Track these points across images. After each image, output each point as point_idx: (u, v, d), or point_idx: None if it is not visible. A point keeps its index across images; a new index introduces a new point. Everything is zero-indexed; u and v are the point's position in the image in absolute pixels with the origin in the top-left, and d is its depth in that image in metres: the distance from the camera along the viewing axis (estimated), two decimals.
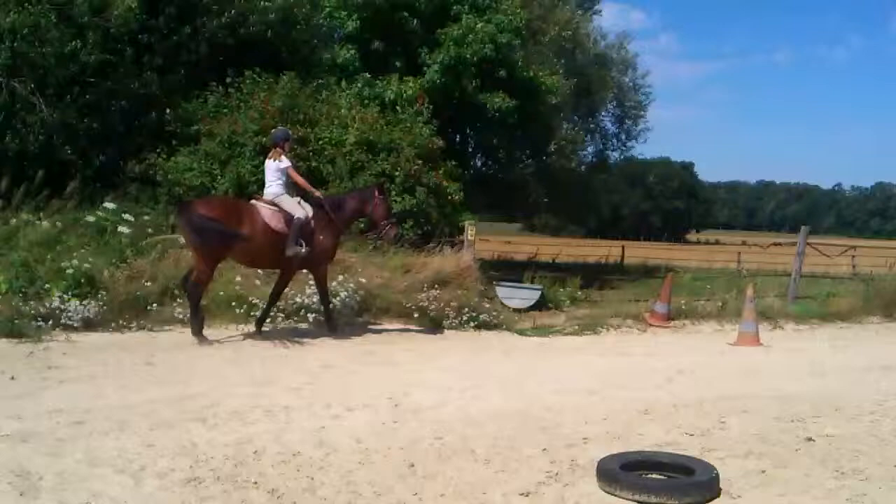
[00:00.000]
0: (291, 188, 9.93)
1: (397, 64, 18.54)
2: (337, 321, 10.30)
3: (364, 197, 10.43)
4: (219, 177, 14.07)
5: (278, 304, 10.31)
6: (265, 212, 9.60)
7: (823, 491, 4.65)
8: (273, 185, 9.77)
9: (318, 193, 10.29)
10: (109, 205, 12.07)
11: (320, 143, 14.59)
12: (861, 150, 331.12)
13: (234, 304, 10.35)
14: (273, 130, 10.89)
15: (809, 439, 5.76)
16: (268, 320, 10.01)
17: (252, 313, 10.27)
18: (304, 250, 9.50)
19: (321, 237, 9.85)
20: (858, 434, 5.96)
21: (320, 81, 16.85)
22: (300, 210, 9.68)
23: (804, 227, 15.94)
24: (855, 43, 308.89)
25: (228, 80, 15.46)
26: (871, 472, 5.01)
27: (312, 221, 9.74)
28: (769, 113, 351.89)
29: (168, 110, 15.07)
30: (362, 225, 11.54)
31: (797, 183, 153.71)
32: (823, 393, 7.47)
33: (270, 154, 10.02)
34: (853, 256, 24.05)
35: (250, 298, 10.46)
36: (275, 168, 9.79)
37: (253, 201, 9.91)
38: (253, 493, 4.42)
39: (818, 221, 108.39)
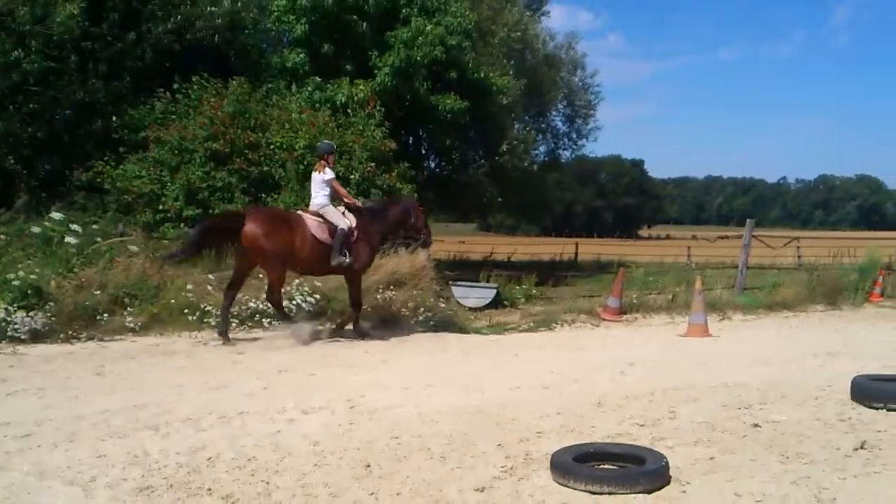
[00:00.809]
0: (335, 199, 10.46)
1: (348, 67, 18.48)
2: (364, 327, 10.70)
3: (406, 207, 11.14)
4: (168, 184, 13.93)
5: (233, 310, 10.27)
6: (311, 223, 10.09)
7: (769, 475, 4.77)
8: (318, 197, 10.29)
9: (358, 203, 10.82)
10: (56, 215, 11.87)
11: (271, 147, 14.55)
12: (805, 143, 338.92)
13: (186, 311, 10.26)
14: (318, 144, 11.33)
15: (756, 426, 5.90)
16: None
17: (205, 320, 10.20)
18: (347, 260, 10.10)
19: (362, 246, 10.40)
20: (803, 419, 6.12)
21: (270, 86, 16.79)
22: (344, 221, 10.23)
23: (749, 220, 16.36)
24: (798, 38, 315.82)
25: (176, 86, 15.32)
26: (815, 456, 5.14)
27: (355, 231, 10.28)
28: (716, 109, 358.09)
29: (114, 117, 14.90)
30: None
31: (744, 177, 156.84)
32: (770, 380, 7.65)
33: (316, 167, 10.51)
34: (798, 247, 24.60)
35: (203, 306, 10.38)
36: (320, 180, 10.28)
37: (300, 213, 10.42)
38: (207, 499, 4.39)
39: (764, 214, 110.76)
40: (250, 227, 9.61)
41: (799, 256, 23.60)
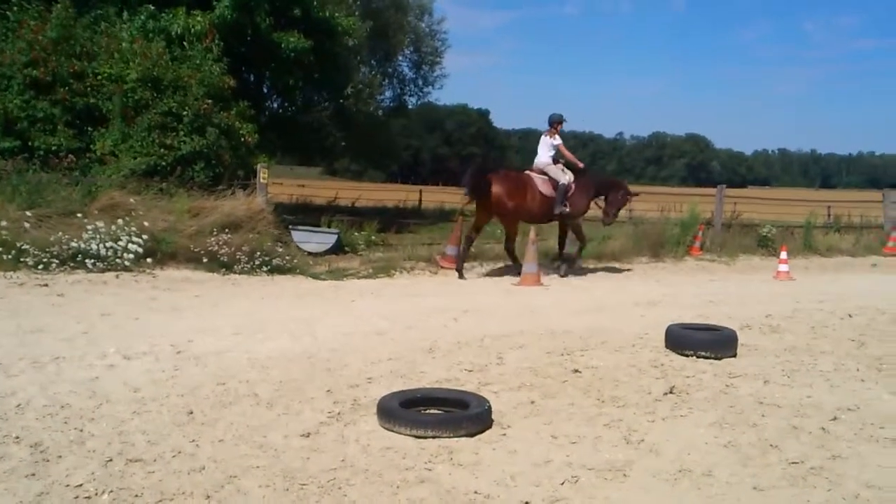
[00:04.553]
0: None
1: None
2: (577, 264, 12.94)
3: (619, 184, 13.51)
4: None
5: (53, 249, 9.69)
6: (538, 180, 12.28)
7: (585, 418, 5.03)
8: (544, 156, 12.49)
9: (581, 165, 12.98)
10: None
11: (99, 78, 13.65)
12: (640, 102, 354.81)
13: (0, 249, 9.56)
14: (551, 114, 12.76)
15: (576, 371, 6.19)
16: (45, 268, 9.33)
17: (21, 259, 9.55)
18: (567, 209, 12.24)
19: (577, 197, 12.45)
20: (620, 365, 6.47)
21: (99, 12, 15.67)
22: (564, 176, 12.37)
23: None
24: None
25: None
26: (628, 399, 5.47)
27: (572, 185, 12.32)
28: (559, 64, 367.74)
29: None
30: None
31: (583, 131, 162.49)
32: (593, 328, 8.04)
33: (548, 132, 12.58)
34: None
35: (19, 244, 9.70)
36: (549, 144, 12.51)
37: (527, 172, 12.52)
38: (14, 447, 4.14)
39: (601, 168, 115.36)
40: (496, 189, 11.78)
41: (630, 210, 24.74)
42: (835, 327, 8.49)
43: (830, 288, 12.05)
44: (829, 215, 22.17)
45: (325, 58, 19.12)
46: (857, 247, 17.87)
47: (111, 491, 3.66)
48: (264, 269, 11.11)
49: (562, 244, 13.15)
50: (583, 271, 13.12)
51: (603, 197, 13.09)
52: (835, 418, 5.15)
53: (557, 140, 12.48)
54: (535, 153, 12.80)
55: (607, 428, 4.85)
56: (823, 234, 18.49)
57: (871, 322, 8.86)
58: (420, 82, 31.63)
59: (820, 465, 4.30)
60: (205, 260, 10.79)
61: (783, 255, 13.62)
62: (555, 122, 12.58)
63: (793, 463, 4.31)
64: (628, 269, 13.77)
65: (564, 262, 12.85)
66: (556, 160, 12.57)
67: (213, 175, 13.22)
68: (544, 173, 12.37)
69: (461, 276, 11.91)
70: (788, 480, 4.08)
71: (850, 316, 9.19)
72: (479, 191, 11.83)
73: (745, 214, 19.39)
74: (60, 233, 10.02)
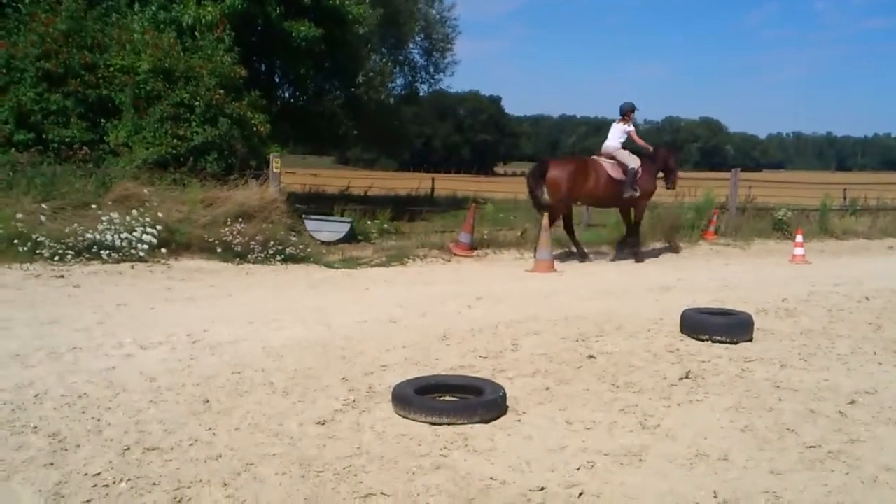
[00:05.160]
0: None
1: None
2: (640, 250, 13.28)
3: (669, 150, 13.88)
4: None
5: (68, 241, 9.75)
6: (607, 165, 12.62)
7: (600, 404, 5.02)
8: (614, 141, 12.87)
9: (650, 149, 13.28)
10: None
11: (111, 69, 13.68)
12: (653, 86, 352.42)
13: (16, 241, 9.62)
14: (623, 103, 13.17)
15: (591, 357, 6.18)
16: (61, 259, 9.38)
17: (37, 252, 9.61)
18: (637, 193, 12.61)
19: (645, 180, 12.83)
20: (635, 350, 6.46)
21: (110, 3, 15.72)
22: (634, 161, 12.72)
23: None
24: None
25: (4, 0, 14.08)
26: (643, 385, 5.45)
27: (640, 170, 12.65)
28: (570, 50, 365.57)
29: None
30: None
31: (596, 117, 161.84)
32: (607, 313, 8.02)
33: (620, 119, 12.99)
34: None
35: (35, 236, 9.75)
36: (621, 130, 12.93)
37: (594, 157, 12.92)
38: (32, 437, 4.18)
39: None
40: (553, 173, 12.24)
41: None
42: (851, 310, 8.44)
43: (846, 271, 11.96)
44: (844, 198, 21.99)
45: (336, 46, 19.09)
46: (872, 229, 17.73)
47: (129, 479, 3.68)
48: (278, 258, 11.13)
49: (628, 230, 13.42)
50: (597, 256, 13.08)
51: (661, 170, 13.53)
52: (852, 402, 5.12)
53: (630, 127, 13.01)
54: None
55: (623, 413, 4.84)
56: (839, 217, 18.35)
57: (888, 305, 8.80)
58: (431, 69, 31.55)
59: (837, 448, 4.28)
60: (219, 250, 10.82)
61: (798, 238, 13.54)
62: (627, 111, 13.06)
63: (810, 447, 4.29)
64: (643, 253, 13.70)
65: (628, 246, 13.26)
66: (624, 146, 12.99)
67: (226, 165, 13.25)
68: (613, 158, 12.76)
69: (584, 258, 12.76)
70: (805, 464, 4.06)
71: (866, 299, 9.13)
72: (537, 178, 12.28)
73: (760, 198, 19.26)
74: (75, 224, 10.06)
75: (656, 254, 13.89)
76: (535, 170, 12.58)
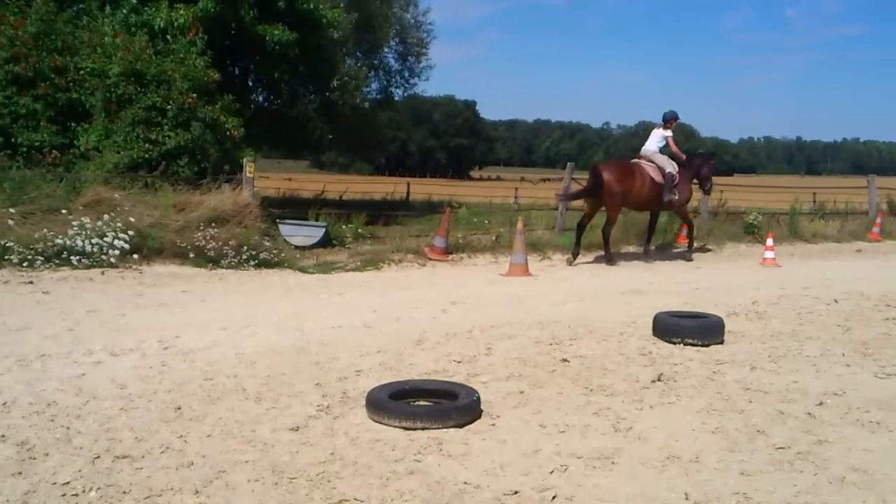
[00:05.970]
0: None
1: None
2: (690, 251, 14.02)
3: (703, 159, 14.48)
4: None
5: (38, 246, 9.64)
6: (649, 168, 13.01)
7: (573, 407, 5.04)
8: (652, 146, 13.39)
9: (684, 157, 13.72)
10: None
11: (81, 73, 13.56)
12: (626, 92, 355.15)
13: None
14: (666, 111, 13.72)
15: (565, 360, 6.20)
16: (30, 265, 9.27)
17: (6, 257, 9.48)
18: (676, 197, 13.05)
19: (682, 186, 13.32)
20: (608, 353, 6.49)
21: (81, 6, 15.58)
22: (672, 165, 13.13)
23: (570, 163, 17.10)
24: None
25: None
26: (616, 388, 5.49)
27: (677, 175, 13.07)
28: (544, 55, 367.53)
29: None
30: None
31: (570, 121, 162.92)
32: (581, 317, 8.06)
33: (661, 125, 13.53)
34: None
35: (3, 241, 9.63)
36: (661, 135, 13.41)
37: (635, 160, 13.32)
38: (0, 446, 4.12)
39: (589, 158, 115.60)
40: (606, 176, 12.45)
41: None
42: (820, 313, 8.54)
43: (816, 274, 12.10)
44: (814, 202, 22.27)
45: (311, 50, 19.03)
46: (842, 233, 17.94)
47: (99, 488, 3.65)
48: (252, 263, 11.07)
49: (650, 233, 14.01)
50: (564, 261, 13.11)
51: (695, 177, 14.10)
52: (821, 403, 5.19)
53: (669, 132, 13.44)
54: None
55: (596, 416, 4.87)
56: (809, 221, 18.58)
57: (857, 307, 8.91)
58: (406, 74, 31.49)
59: (806, 449, 4.33)
60: (191, 255, 10.74)
61: (769, 242, 13.68)
62: (670, 119, 13.57)
63: (779, 448, 4.34)
64: (615, 258, 13.78)
65: (650, 249, 13.93)
66: (661, 151, 13.47)
67: (199, 170, 13.17)
68: (651, 162, 13.17)
69: (572, 261, 12.86)
70: (775, 465, 4.10)
71: (835, 301, 9.24)
72: (595, 183, 12.61)
73: (732, 202, 19.45)
74: (45, 229, 9.95)
75: (628, 258, 13.97)
76: (592, 176, 12.86)
